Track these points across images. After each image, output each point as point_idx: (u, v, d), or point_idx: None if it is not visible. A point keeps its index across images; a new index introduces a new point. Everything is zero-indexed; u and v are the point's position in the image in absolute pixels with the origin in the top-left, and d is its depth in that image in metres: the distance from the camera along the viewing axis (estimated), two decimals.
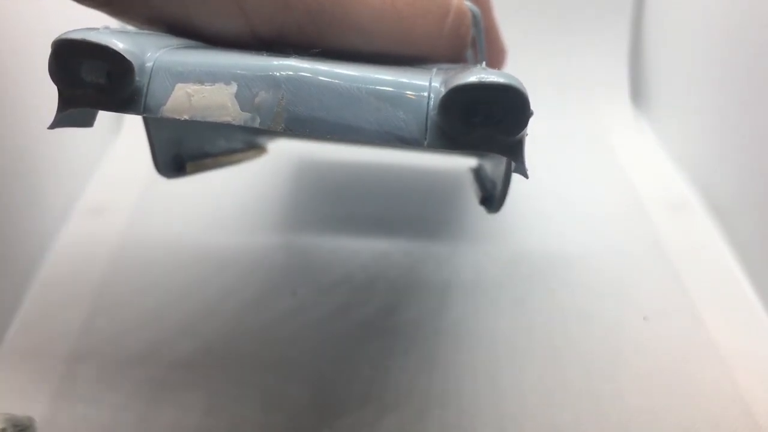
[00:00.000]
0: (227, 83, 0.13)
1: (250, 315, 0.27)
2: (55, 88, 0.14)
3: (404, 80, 0.13)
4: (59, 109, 0.14)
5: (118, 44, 0.13)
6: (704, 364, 0.25)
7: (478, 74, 0.12)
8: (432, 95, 0.13)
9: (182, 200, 0.33)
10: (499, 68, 0.14)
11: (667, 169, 0.37)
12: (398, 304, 0.27)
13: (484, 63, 0.16)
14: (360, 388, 0.24)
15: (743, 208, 0.30)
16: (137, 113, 0.13)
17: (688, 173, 0.36)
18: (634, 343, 0.26)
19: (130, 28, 0.16)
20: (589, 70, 0.43)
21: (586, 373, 0.25)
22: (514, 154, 0.13)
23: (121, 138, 0.38)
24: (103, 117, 0.37)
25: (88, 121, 0.15)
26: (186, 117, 0.13)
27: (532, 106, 0.13)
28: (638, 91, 0.43)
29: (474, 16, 0.19)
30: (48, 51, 0.13)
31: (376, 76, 0.13)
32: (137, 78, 0.13)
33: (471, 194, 0.25)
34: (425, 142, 0.13)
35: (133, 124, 0.38)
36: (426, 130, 0.13)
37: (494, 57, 0.24)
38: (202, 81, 0.13)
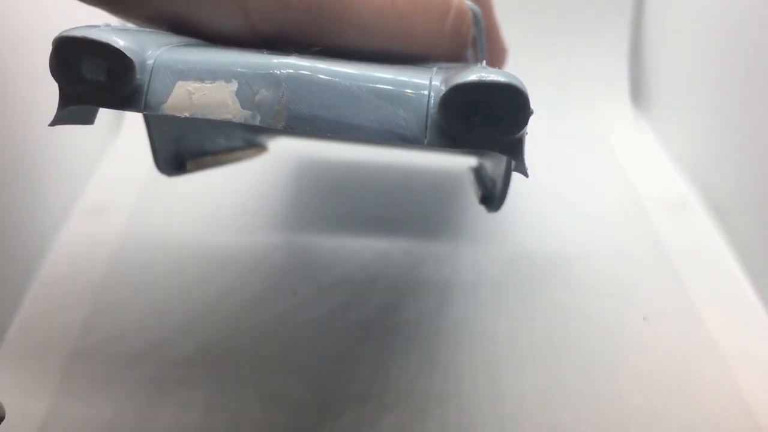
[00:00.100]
0: (228, 81, 0.13)
1: (250, 314, 0.27)
2: (56, 86, 0.14)
3: (404, 79, 0.13)
4: (60, 106, 0.14)
5: (119, 42, 0.13)
6: (704, 364, 0.25)
7: (478, 73, 0.12)
8: (432, 94, 0.13)
9: (182, 200, 0.33)
10: (500, 67, 0.14)
11: (667, 169, 0.37)
12: (398, 304, 0.27)
13: (484, 62, 0.16)
14: (360, 388, 0.24)
15: (743, 208, 0.30)
16: (138, 111, 0.13)
17: (688, 173, 0.36)
18: (634, 343, 0.26)
19: (130, 26, 0.16)
20: (589, 70, 0.43)
21: (586, 373, 0.25)
22: (514, 152, 0.13)
23: (121, 138, 0.38)
24: (104, 117, 0.37)
25: (88, 119, 0.15)
26: (186, 114, 0.13)
27: (532, 106, 0.13)
28: (638, 91, 0.43)
29: (475, 15, 0.19)
30: (49, 49, 0.13)
31: (377, 74, 0.13)
32: (138, 75, 0.13)
33: (471, 194, 0.25)
34: (425, 141, 0.13)
35: (133, 124, 0.38)
36: (426, 128, 0.13)
37: (495, 56, 0.24)
38: (203, 79, 0.13)
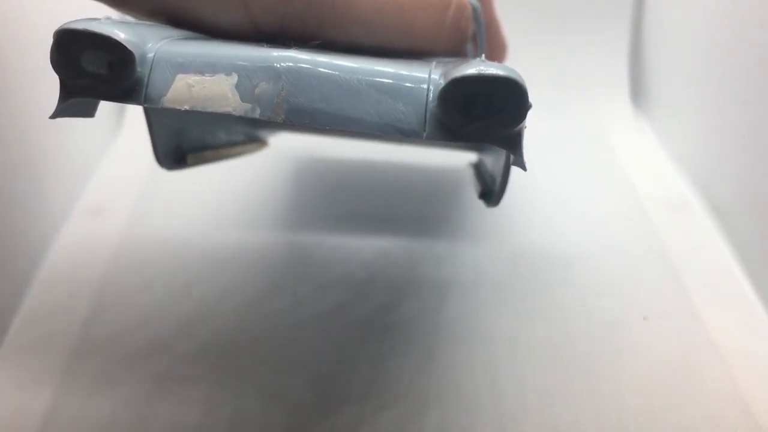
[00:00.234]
0: (228, 74, 0.13)
1: (250, 313, 0.27)
2: (56, 81, 0.14)
3: (404, 72, 0.13)
4: (61, 99, 0.14)
5: (120, 34, 0.13)
6: (704, 364, 0.25)
7: (477, 66, 0.13)
8: (431, 87, 0.13)
9: (182, 199, 0.33)
10: (499, 62, 0.14)
11: (667, 169, 0.37)
12: (398, 303, 0.27)
13: (483, 56, 0.16)
14: (359, 386, 0.24)
15: (743, 208, 0.30)
16: (138, 103, 0.13)
17: (688, 173, 0.36)
18: (634, 343, 0.26)
19: (131, 19, 0.17)
20: (589, 70, 0.43)
21: (586, 373, 0.25)
22: (512, 146, 0.13)
23: (121, 137, 0.38)
24: (104, 116, 0.37)
25: (89, 112, 0.15)
26: (186, 107, 0.13)
27: (532, 104, 0.13)
28: (638, 91, 0.43)
29: (474, 10, 0.19)
30: (49, 42, 0.13)
31: (376, 67, 0.13)
32: (138, 68, 0.13)
33: (471, 193, 0.25)
34: (424, 134, 0.13)
35: (133, 123, 0.38)
36: (425, 122, 0.13)
37: (495, 51, 0.24)
38: (203, 72, 0.13)
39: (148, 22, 0.15)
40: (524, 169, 0.14)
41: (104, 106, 0.15)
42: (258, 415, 0.23)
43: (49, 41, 0.13)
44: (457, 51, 0.18)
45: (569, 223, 0.33)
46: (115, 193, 0.33)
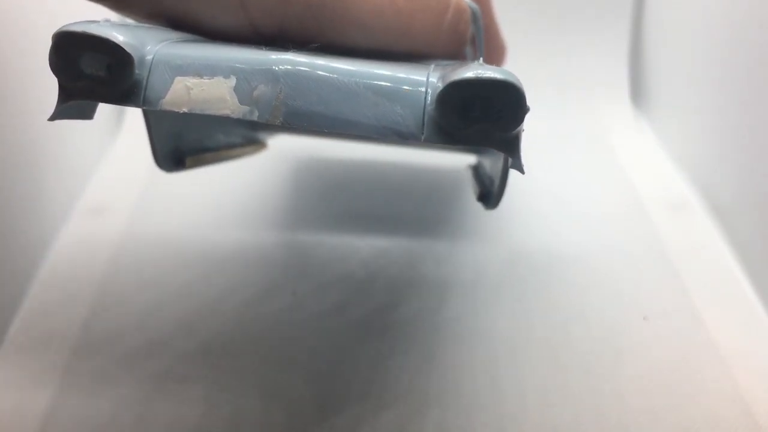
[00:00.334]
0: (226, 77, 0.13)
1: (249, 312, 0.27)
2: (56, 83, 0.14)
3: (402, 75, 0.13)
4: (59, 101, 0.14)
5: (119, 37, 0.13)
6: (704, 364, 0.25)
7: (474, 70, 0.13)
8: (429, 90, 0.13)
9: (182, 199, 0.33)
10: (499, 65, 0.14)
11: (667, 169, 0.37)
12: (397, 302, 0.27)
13: (481, 59, 0.16)
14: (359, 386, 0.24)
15: (743, 208, 0.30)
16: (137, 106, 0.13)
17: (688, 173, 0.36)
18: (634, 343, 0.26)
19: (130, 21, 0.17)
20: (589, 70, 0.43)
21: (586, 373, 0.25)
22: (510, 149, 0.13)
23: (121, 137, 0.38)
24: (104, 117, 0.37)
25: (88, 114, 0.15)
26: (185, 110, 0.13)
27: (532, 106, 0.13)
28: (638, 91, 0.43)
29: (473, 13, 0.19)
30: (48, 44, 0.13)
31: (374, 70, 0.13)
32: (137, 71, 0.13)
33: (470, 192, 0.25)
34: (422, 137, 0.13)
35: (133, 124, 0.38)
36: (423, 124, 0.13)
37: (494, 54, 0.24)
38: (201, 74, 0.13)
39: (147, 25, 0.15)
40: (522, 172, 0.14)
41: (104, 106, 0.15)
42: (258, 415, 0.23)
43: (49, 41, 0.13)
44: (455, 54, 0.18)
45: (569, 223, 0.33)
46: (115, 193, 0.33)
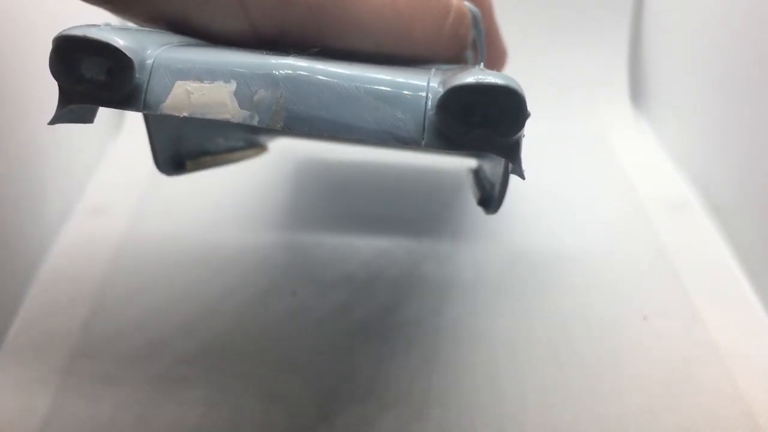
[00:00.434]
0: (227, 81, 0.13)
1: (250, 313, 0.27)
2: (56, 85, 0.14)
3: (402, 80, 0.13)
4: (60, 104, 0.14)
5: (119, 41, 0.13)
6: (704, 364, 0.25)
7: (475, 75, 0.13)
8: (430, 95, 0.13)
9: (182, 200, 0.33)
10: (499, 70, 0.14)
11: (667, 169, 0.37)
12: (398, 303, 0.28)
13: (482, 64, 0.16)
14: (360, 387, 0.24)
15: (743, 208, 0.30)
16: (137, 110, 0.13)
17: (688, 173, 0.36)
18: (633, 343, 0.26)
19: (130, 25, 0.17)
20: (589, 70, 0.43)
21: (586, 373, 0.25)
22: (511, 154, 0.13)
23: (121, 138, 0.38)
24: (104, 117, 0.37)
25: (88, 118, 0.15)
26: (185, 114, 0.13)
27: (532, 106, 0.13)
28: (638, 91, 0.43)
29: (474, 17, 0.19)
30: (48, 48, 0.13)
31: (375, 75, 0.13)
32: (137, 75, 0.13)
33: (470, 193, 0.25)
34: (423, 142, 0.13)
35: (133, 125, 0.38)
36: (423, 129, 0.13)
37: (495, 58, 0.24)
38: (202, 78, 0.13)
39: (147, 29, 0.15)
40: (523, 177, 0.14)
41: (104, 108, 0.15)
42: (258, 416, 0.23)
43: (49, 43, 0.13)
44: (456, 58, 0.18)
45: (569, 223, 0.33)
46: (115, 193, 0.33)
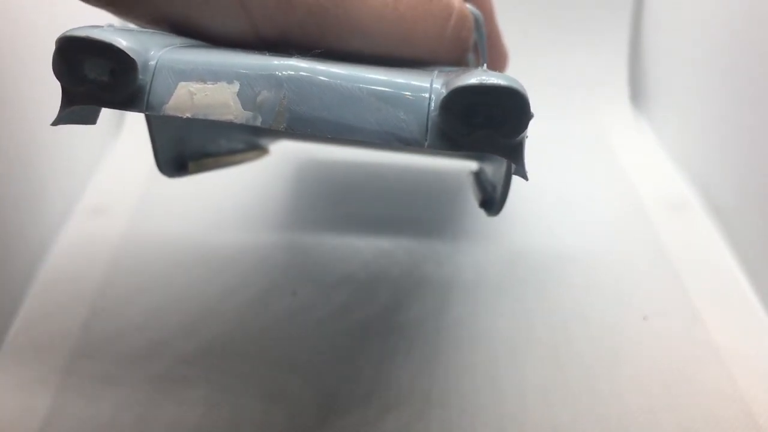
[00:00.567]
0: (230, 82, 0.13)
1: (250, 314, 0.27)
2: (58, 85, 0.14)
3: (405, 81, 0.13)
4: (62, 105, 0.14)
5: (122, 42, 0.13)
6: (704, 364, 0.25)
7: (478, 76, 0.12)
8: (433, 96, 0.13)
9: (183, 200, 0.33)
10: (501, 72, 0.14)
11: (667, 169, 0.37)
12: (399, 304, 0.28)
13: (485, 65, 0.16)
14: (361, 387, 0.24)
15: (743, 208, 0.30)
16: (140, 111, 0.13)
17: (688, 173, 0.36)
18: (633, 343, 0.26)
19: (133, 26, 0.16)
20: (589, 70, 0.43)
21: (586, 373, 0.25)
22: (514, 156, 0.13)
23: (122, 138, 0.38)
24: (105, 117, 0.37)
25: (91, 119, 0.15)
26: (188, 115, 0.13)
27: (532, 107, 0.13)
28: (638, 91, 0.43)
29: (476, 20, 0.19)
30: (51, 48, 0.13)
31: (377, 76, 0.13)
32: (140, 76, 0.13)
33: (471, 194, 0.25)
34: (426, 143, 0.13)
35: (134, 124, 0.38)
36: (426, 130, 0.13)
37: (496, 61, 0.24)
38: (205, 79, 0.13)
39: (150, 30, 0.15)
40: (526, 179, 0.14)
41: (106, 108, 0.15)
42: (258, 416, 0.23)
43: (51, 44, 0.13)
44: (458, 60, 0.18)
45: (569, 223, 0.33)
46: (115, 194, 0.33)
